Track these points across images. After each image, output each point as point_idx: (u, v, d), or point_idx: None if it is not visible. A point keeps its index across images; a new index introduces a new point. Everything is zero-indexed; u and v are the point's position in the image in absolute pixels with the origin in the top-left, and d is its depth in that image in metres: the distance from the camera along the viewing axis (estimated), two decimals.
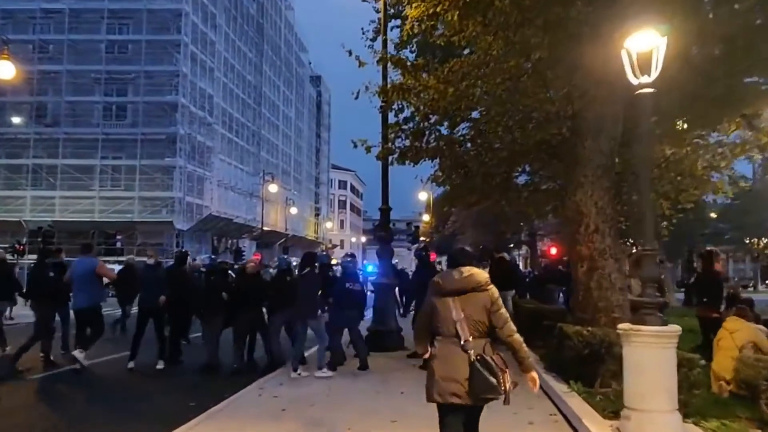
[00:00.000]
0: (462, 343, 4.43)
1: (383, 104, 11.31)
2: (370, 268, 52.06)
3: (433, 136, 10.93)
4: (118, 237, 45.51)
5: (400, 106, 11.45)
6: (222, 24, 55.25)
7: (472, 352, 4.40)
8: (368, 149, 11.64)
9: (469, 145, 10.96)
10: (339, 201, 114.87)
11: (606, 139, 9.61)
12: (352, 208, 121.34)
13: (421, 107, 10.52)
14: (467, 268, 4.64)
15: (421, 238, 54.36)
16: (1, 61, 22.19)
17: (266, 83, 68.11)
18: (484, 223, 62.58)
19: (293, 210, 70.98)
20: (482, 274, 4.66)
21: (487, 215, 61.72)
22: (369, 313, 13.59)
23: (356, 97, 10.98)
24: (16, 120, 43.75)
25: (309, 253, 11.40)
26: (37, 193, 46.13)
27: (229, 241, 57.30)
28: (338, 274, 12.29)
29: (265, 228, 59.90)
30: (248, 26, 62.90)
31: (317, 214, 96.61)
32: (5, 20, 46.47)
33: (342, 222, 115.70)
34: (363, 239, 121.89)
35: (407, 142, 11.16)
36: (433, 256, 23.51)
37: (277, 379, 10.13)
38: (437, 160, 11.65)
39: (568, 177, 10.03)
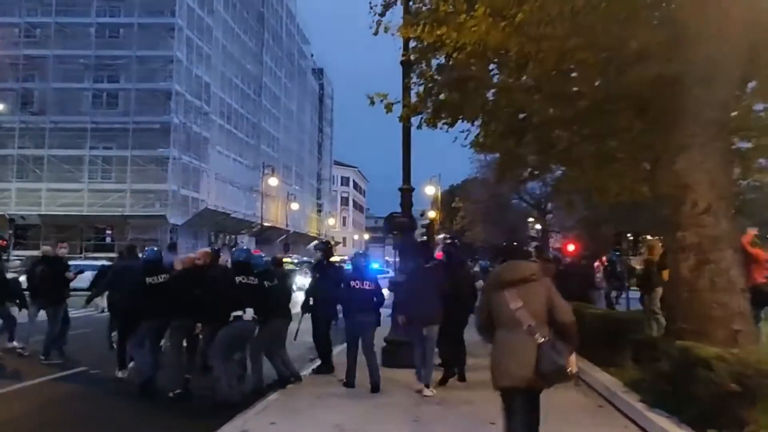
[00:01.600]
0: (525, 329, 4.64)
1: (413, 41, 8.61)
2: (375, 266, 49.76)
3: (478, 85, 8.23)
4: (108, 232, 42.87)
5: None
6: (220, 10, 52.56)
7: (537, 336, 4.60)
8: (389, 107, 9.04)
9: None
10: (341, 197, 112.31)
11: (722, 86, 6.97)
12: (355, 205, 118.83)
13: (458, 46, 7.83)
14: (519, 261, 5.05)
15: (441, 236, 51.62)
16: None
17: (267, 74, 65.43)
18: (493, 218, 60.44)
19: (294, 206, 68.34)
20: (533, 266, 5.00)
21: (496, 210, 59.79)
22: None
23: (375, 32, 8.38)
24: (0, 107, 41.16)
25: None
26: (22, 185, 43.52)
27: (227, 237, 54.64)
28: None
29: (265, 224, 57.29)
30: (248, 14, 60.20)
31: (319, 211, 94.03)
32: None
33: (344, 219, 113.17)
34: (366, 237, 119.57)
35: (442, 96, 8.48)
36: (438, 256, 20.99)
37: (268, 413, 7.50)
38: (476, 121, 9.00)
39: (664, 140, 7.38)
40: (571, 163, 8.92)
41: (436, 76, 8.66)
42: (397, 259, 19.36)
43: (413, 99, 9.53)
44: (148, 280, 9.06)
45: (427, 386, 8.50)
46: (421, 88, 9.38)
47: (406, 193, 10.80)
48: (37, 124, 43.76)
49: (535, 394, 4.78)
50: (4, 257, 27.29)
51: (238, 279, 8.21)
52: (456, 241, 13.28)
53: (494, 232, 59.82)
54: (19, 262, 31.07)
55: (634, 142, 7.78)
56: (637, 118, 7.53)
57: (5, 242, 37.79)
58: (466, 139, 10.18)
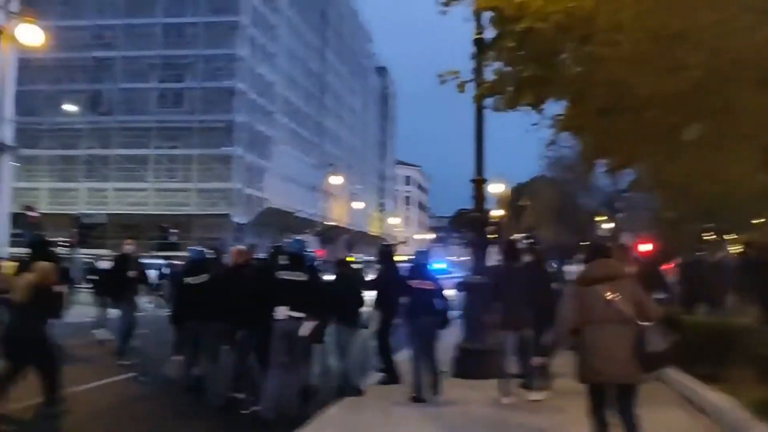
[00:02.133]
0: (619, 323, 4.79)
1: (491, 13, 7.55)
2: (438, 266, 48.65)
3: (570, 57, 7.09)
4: (173, 231, 43.15)
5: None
6: (284, 8, 52.38)
7: (631, 330, 4.77)
8: (462, 87, 7.99)
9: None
10: (404, 196, 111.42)
11: None
12: (418, 204, 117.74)
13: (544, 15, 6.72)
14: (609, 259, 5.23)
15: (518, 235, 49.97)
16: (26, 24, 19.61)
17: (330, 72, 65.12)
18: (562, 218, 58.35)
19: (357, 205, 67.76)
20: (622, 265, 5.55)
21: (565, 209, 57.71)
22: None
23: (446, 3, 7.35)
24: (69, 108, 41.87)
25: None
26: (90, 184, 44.29)
27: (291, 237, 54.49)
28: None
29: (328, 223, 56.91)
30: (311, 12, 59.94)
31: (382, 210, 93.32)
32: (62, 6, 44.84)
33: (407, 218, 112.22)
34: (428, 236, 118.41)
35: (525, 72, 7.38)
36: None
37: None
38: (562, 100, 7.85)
39: None
40: (673, 147, 7.66)
41: (518, 52, 7.53)
42: (460, 259, 18.36)
43: (489, 78, 8.48)
44: (187, 280, 8.66)
45: (531, 389, 7.83)
46: (499, 66, 8.30)
47: (479, 185, 9.71)
48: (105, 125, 44.47)
49: (631, 387, 4.92)
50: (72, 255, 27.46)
51: (282, 275, 7.41)
52: (536, 238, 12.09)
53: (562, 231, 57.80)
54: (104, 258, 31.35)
55: (756, 118, 6.49)
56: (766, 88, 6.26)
57: (73, 241, 38.46)
58: (537, 125, 9.15)
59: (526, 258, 9.02)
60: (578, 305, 5.01)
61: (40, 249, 8.40)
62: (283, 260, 7.75)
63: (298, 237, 9.19)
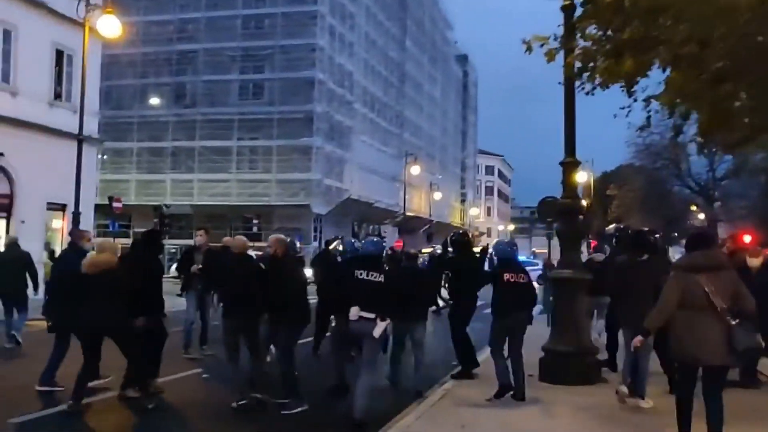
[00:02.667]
0: (718, 311, 4.98)
1: None
2: (521, 258, 46.94)
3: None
4: (255, 221, 43.50)
5: None
6: None
7: (729, 318, 4.96)
8: (551, 55, 7.08)
9: None
10: (486, 187, 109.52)
11: None
12: (500, 194, 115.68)
13: None
14: (710, 249, 5.44)
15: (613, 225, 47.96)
16: (104, 15, 19.77)
17: (410, 61, 64.18)
18: (652, 207, 55.65)
19: (437, 195, 66.71)
20: (722, 255, 5.98)
21: (655, 198, 54.95)
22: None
23: None
24: (154, 101, 42.86)
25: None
26: (176, 176, 45.24)
27: (371, 227, 54.11)
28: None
29: (407, 213, 56.21)
30: (390, 0, 59.18)
31: (463, 200, 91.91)
32: (146, 1, 45.93)
33: (489, 209, 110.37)
34: (511, 227, 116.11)
35: (626, 32, 6.34)
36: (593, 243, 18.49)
37: None
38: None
39: None
40: None
41: (617, 8, 6.49)
42: (542, 251, 17.20)
43: (581, 45, 7.48)
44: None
45: (642, 397, 7.14)
46: (592, 32, 7.28)
47: (570, 167, 8.70)
48: (189, 117, 45.28)
49: (721, 370, 5.22)
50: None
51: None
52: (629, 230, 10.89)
53: (652, 221, 55.12)
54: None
55: None
56: None
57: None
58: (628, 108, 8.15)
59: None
60: (677, 292, 5.22)
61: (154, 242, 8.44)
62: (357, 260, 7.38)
63: (375, 238, 8.70)
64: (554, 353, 8.40)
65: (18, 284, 11.87)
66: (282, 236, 8.01)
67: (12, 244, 12.84)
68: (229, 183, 44.12)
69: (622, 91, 9.34)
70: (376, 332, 6.62)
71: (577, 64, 7.87)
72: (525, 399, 7.38)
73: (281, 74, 44.06)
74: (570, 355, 8.22)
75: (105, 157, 46.84)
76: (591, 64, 7.26)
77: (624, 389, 7.16)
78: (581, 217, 8.91)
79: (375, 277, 6.73)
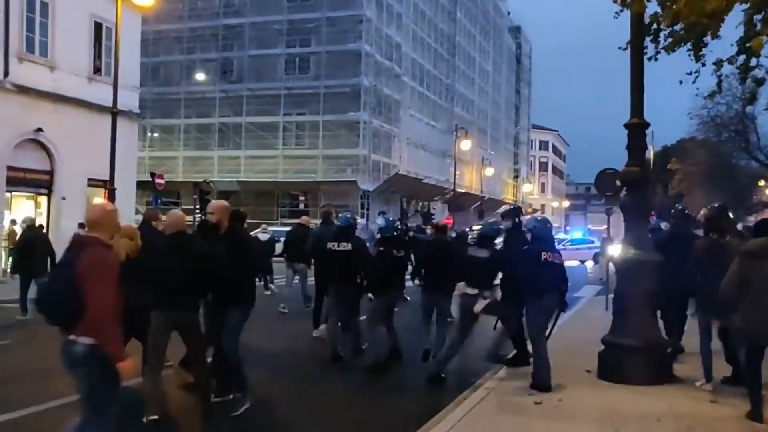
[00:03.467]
0: None
1: None
2: (576, 235, 45.32)
3: None
4: (302, 198, 42.86)
5: None
6: None
7: None
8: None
9: None
10: (540, 163, 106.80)
11: None
12: (554, 170, 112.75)
13: None
14: None
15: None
16: None
17: (461, 33, 62.30)
18: (716, 182, 52.82)
19: (489, 171, 64.98)
20: None
21: (720, 173, 52.12)
22: None
23: None
24: (200, 77, 42.40)
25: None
26: (223, 152, 44.90)
27: (420, 204, 52.94)
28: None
29: (458, 190, 54.82)
30: None
31: (516, 177, 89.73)
32: None
33: (543, 185, 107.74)
34: (566, 204, 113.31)
35: None
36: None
37: None
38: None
39: None
40: None
41: None
42: (599, 228, 15.92)
43: None
44: (329, 245, 8.99)
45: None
46: None
47: (636, 130, 7.41)
48: (235, 93, 44.78)
49: None
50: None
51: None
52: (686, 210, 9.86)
53: (717, 197, 52.38)
54: None
55: None
56: None
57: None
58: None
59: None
60: (742, 277, 5.58)
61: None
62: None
63: (492, 220, 9.01)
64: (616, 347, 7.22)
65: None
66: (225, 202, 6.93)
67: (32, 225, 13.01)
68: (275, 159, 43.52)
69: (689, 56, 9.36)
70: (477, 308, 7.19)
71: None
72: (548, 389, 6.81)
73: (328, 47, 42.99)
74: (635, 350, 7.03)
75: (155, 135, 46.95)
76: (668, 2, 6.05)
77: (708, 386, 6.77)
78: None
79: (481, 254, 7.30)
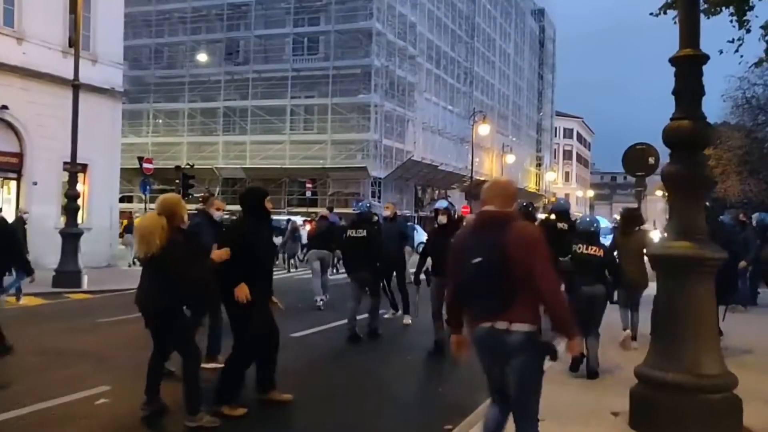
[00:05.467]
0: None
1: None
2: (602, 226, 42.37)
3: None
4: (309, 185, 40.74)
5: None
6: None
7: None
8: None
9: None
10: (564, 151, 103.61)
11: None
12: (579, 159, 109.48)
13: None
14: None
15: None
16: None
17: (480, 13, 59.57)
18: (753, 168, 49.64)
19: (510, 158, 62.30)
20: None
21: (758, 158, 49.01)
22: None
23: None
24: (203, 58, 40.35)
25: None
26: (228, 138, 42.94)
27: (436, 192, 50.54)
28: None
29: (477, 177, 52.30)
30: None
31: (539, 165, 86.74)
32: None
33: (567, 174, 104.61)
34: (590, 193, 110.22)
35: None
36: None
37: None
38: None
39: None
40: None
41: None
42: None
43: None
44: (349, 232, 9.61)
45: None
46: None
47: (688, 65, 5.05)
48: (241, 75, 42.78)
49: None
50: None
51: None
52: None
53: (754, 184, 49.27)
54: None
55: None
56: None
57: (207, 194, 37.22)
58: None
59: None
60: None
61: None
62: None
63: (588, 217, 8.13)
64: (657, 384, 4.92)
65: None
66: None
67: None
68: (282, 145, 41.42)
69: (731, 21, 9.20)
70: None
71: None
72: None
73: (337, 26, 40.72)
74: (687, 391, 4.74)
75: (159, 120, 45.17)
76: None
77: None
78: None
79: (595, 251, 7.17)
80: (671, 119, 5.11)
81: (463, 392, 6.55)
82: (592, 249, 7.10)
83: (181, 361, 5.37)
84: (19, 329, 8.66)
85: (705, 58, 5.01)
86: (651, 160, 12.06)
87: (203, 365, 5.95)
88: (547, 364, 3.91)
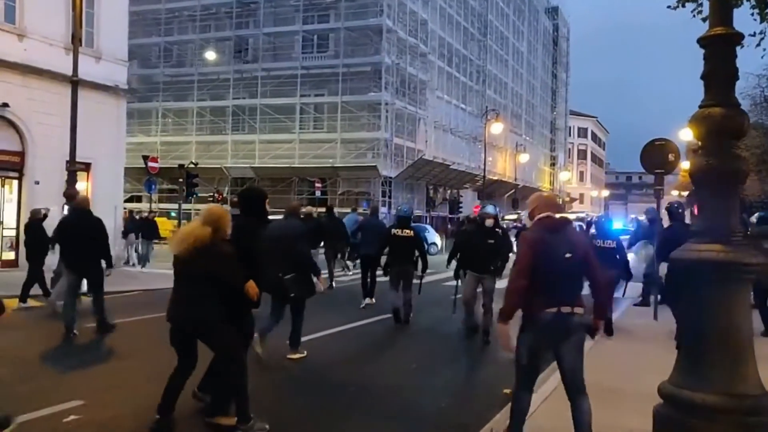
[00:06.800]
0: None
1: None
2: (617, 226, 41.66)
3: None
4: (318, 185, 40.25)
5: None
6: None
7: None
8: None
9: None
10: (578, 150, 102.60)
11: None
12: (593, 158, 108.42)
13: None
14: None
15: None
16: None
17: (493, 11, 58.87)
18: None
19: (524, 157, 61.49)
20: None
21: None
22: None
23: None
24: (211, 56, 39.95)
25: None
26: (237, 137, 42.54)
27: (448, 191, 49.89)
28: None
29: (490, 177, 51.65)
30: None
31: (553, 164, 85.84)
32: None
33: (581, 174, 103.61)
34: (605, 193, 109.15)
35: None
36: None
37: None
38: None
39: None
40: None
41: None
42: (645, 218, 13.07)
43: None
44: (393, 231, 10.91)
45: None
46: None
47: (720, 45, 4.42)
48: (250, 73, 42.39)
49: None
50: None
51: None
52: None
53: None
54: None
55: None
56: None
57: (221, 195, 36.87)
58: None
59: None
60: None
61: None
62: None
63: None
64: (683, 404, 4.33)
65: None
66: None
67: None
68: (292, 144, 40.96)
69: (752, 15, 9.25)
70: None
71: None
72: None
73: (347, 23, 40.19)
74: (717, 411, 4.15)
75: (168, 119, 44.90)
76: None
77: None
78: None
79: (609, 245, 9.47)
80: (700, 106, 4.51)
81: (467, 408, 6.03)
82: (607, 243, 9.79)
83: (227, 369, 5.14)
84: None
85: (739, 37, 4.42)
86: (671, 157, 11.39)
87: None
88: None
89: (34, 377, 6.80)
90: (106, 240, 9.59)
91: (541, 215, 4.62)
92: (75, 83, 15.72)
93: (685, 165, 46.32)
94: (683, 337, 4.56)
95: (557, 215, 4.62)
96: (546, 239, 4.53)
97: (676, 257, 4.75)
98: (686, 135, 37.46)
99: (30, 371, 7.03)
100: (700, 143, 4.54)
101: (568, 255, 4.44)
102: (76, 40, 15.98)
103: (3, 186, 19.64)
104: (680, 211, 10.21)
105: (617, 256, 9.59)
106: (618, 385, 6.40)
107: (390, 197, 39.78)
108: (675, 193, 66.38)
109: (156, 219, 23.72)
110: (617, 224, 44.02)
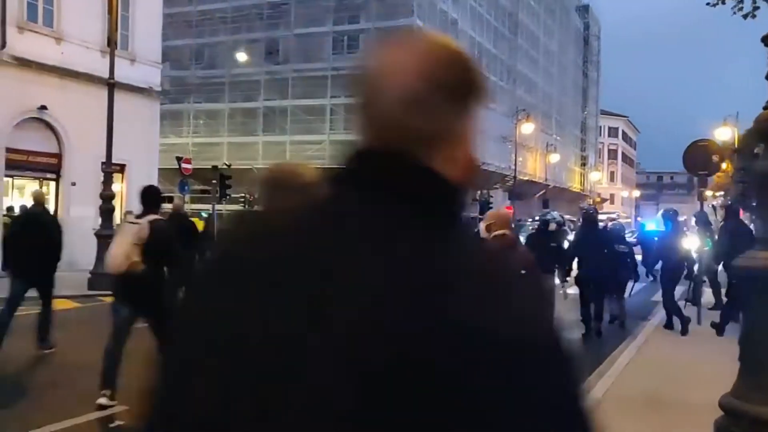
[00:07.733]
0: None
1: None
2: (651, 227, 40.82)
3: None
4: None
5: None
6: None
7: None
8: None
9: None
10: (609, 150, 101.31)
11: None
12: (624, 158, 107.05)
13: None
14: None
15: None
16: None
17: (523, 10, 58.34)
18: None
19: (554, 157, 60.87)
20: None
21: None
22: None
23: None
24: (242, 58, 40.19)
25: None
26: (268, 138, 42.75)
27: (478, 192, 49.55)
28: None
29: (520, 177, 51.20)
30: None
31: (583, 164, 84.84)
32: None
33: (612, 174, 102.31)
34: (636, 193, 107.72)
35: None
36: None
37: None
38: None
39: None
40: None
41: None
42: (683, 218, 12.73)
43: None
44: None
45: None
46: None
47: None
48: (280, 74, 42.58)
49: None
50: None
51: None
52: None
53: None
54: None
55: None
56: None
57: (253, 197, 37.06)
58: None
59: None
60: None
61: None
62: None
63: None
64: (747, 418, 4.17)
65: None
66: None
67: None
68: (322, 145, 41.04)
69: None
70: None
71: None
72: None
73: (377, 23, 40.12)
74: None
75: (200, 121, 45.27)
76: None
77: None
78: None
79: (622, 249, 11.08)
80: (764, 108, 4.35)
81: None
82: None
83: None
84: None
85: None
86: (714, 158, 11.13)
87: None
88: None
89: (79, 379, 6.83)
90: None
91: (497, 232, 4.86)
92: (111, 86, 15.89)
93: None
94: (746, 348, 4.37)
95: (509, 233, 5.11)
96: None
97: (739, 265, 4.58)
98: (722, 134, 36.73)
99: (75, 373, 7.07)
100: (763, 145, 4.38)
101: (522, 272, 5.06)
102: (112, 43, 16.12)
103: (41, 187, 19.91)
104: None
105: (628, 260, 11.19)
106: (675, 395, 6.20)
107: None
108: (709, 194, 65.39)
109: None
110: (650, 225, 43.29)
